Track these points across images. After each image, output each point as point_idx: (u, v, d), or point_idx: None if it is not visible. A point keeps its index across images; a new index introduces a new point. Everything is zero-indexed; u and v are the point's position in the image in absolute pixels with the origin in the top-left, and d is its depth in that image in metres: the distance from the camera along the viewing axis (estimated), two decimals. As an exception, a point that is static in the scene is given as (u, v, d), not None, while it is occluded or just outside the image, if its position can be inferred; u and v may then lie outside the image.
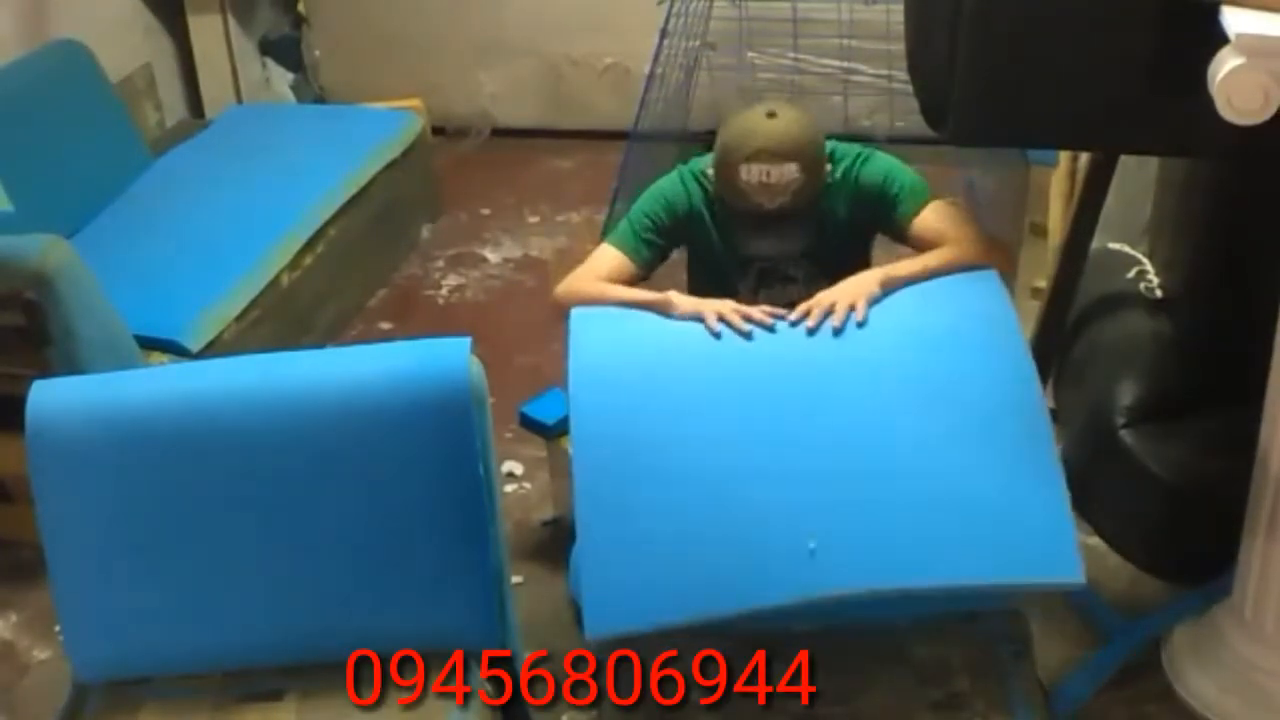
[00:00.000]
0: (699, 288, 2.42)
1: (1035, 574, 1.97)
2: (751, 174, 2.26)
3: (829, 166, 2.39)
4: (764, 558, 1.94)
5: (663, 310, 2.27)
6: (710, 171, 2.40)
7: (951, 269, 2.29)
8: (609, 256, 2.40)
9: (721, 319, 2.21)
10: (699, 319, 2.23)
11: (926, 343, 2.13)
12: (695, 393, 2.11)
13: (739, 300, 2.29)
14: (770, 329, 2.20)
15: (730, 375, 2.13)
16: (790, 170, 2.26)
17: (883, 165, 2.44)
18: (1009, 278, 2.47)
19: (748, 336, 2.20)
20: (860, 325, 2.19)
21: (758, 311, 2.23)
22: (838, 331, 2.18)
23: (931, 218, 2.37)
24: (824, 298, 2.22)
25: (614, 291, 2.33)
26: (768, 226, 2.32)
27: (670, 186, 2.46)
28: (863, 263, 2.44)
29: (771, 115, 2.30)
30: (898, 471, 1.99)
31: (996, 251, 2.35)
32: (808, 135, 2.32)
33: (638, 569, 1.94)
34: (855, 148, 2.47)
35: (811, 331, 2.19)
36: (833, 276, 2.30)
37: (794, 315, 2.22)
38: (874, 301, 2.22)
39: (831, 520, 1.95)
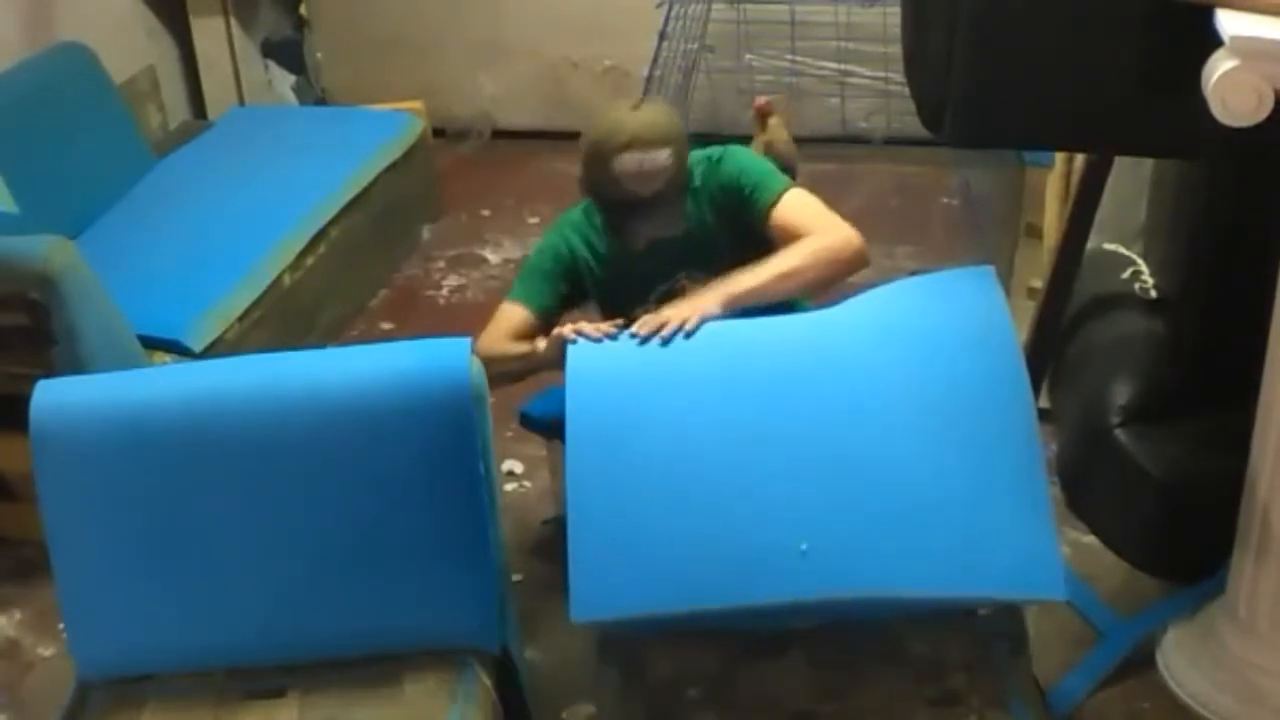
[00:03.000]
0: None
1: (1019, 589, 1.99)
2: (625, 164, 2.29)
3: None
4: (754, 555, 1.95)
5: (531, 359, 2.33)
6: (578, 215, 2.49)
7: (808, 265, 2.28)
8: (508, 312, 2.45)
9: (577, 331, 2.25)
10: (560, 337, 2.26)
11: (921, 346, 2.13)
12: (689, 392, 2.12)
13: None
14: (642, 340, 2.20)
15: (724, 376, 2.14)
16: (663, 156, 2.30)
17: (736, 162, 2.44)
18: (1004, 278, 2.46)
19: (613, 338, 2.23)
20: (858, 330, 2.19)
21: (591, 328, 2.25)
22: (834, 333, 2.20)
23: (787, 211, 2.35)
24: (662, 313, 2.22)
25: (498, 349, 2.39)
26: (646, 211, 2.33)
27: (551, 239, 2.54)
28: None
29: (636, 108, 2.37)
30: (886, 478, 1.99)
31: (852, 243, 2.31)
32: (674, 124, 2.37)
33: (626, 557, 1.95)
34: (709, 151, 2.47)
35: (807, 336, 2.20)
36: None
37: (631, 330, 2.22)
38: (711, 318, 2.20)
39: (820, 522, 1.96)
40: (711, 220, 2.44)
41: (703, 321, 2.20)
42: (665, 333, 2.18)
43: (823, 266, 2.29)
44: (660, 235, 2.37)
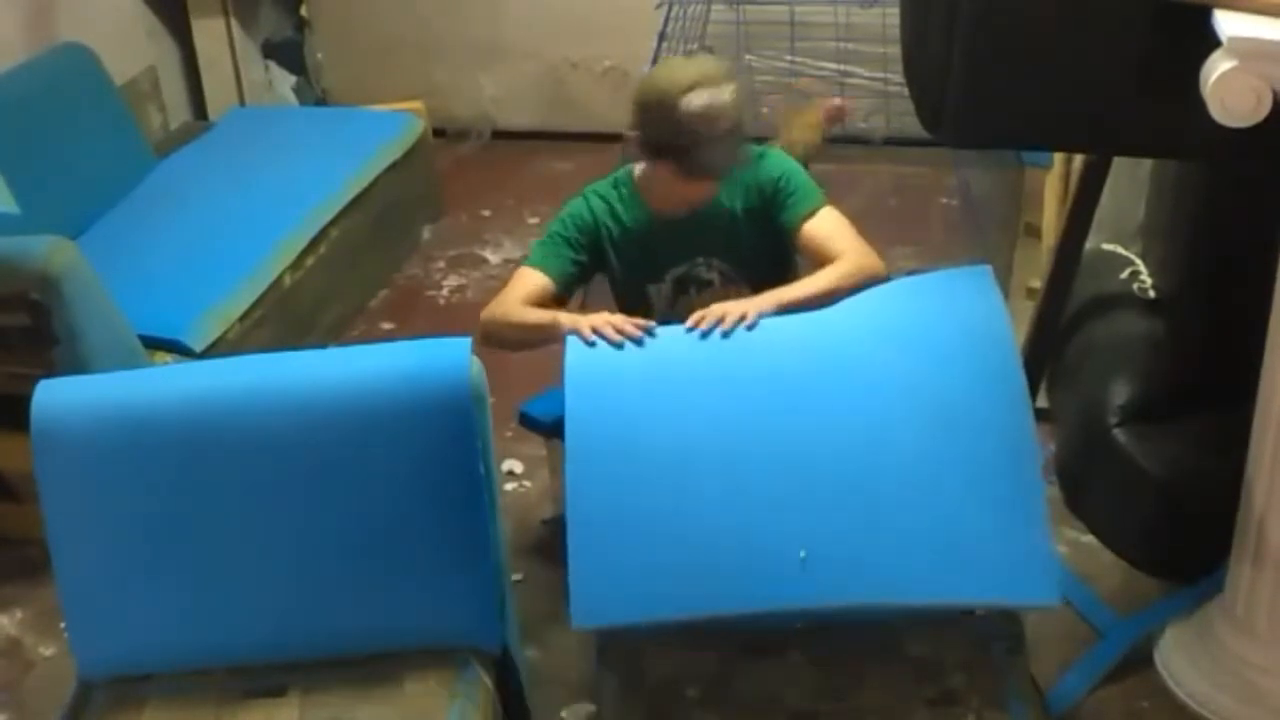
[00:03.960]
0: (623, 308, 2.43)
1: (1015, 596, 2.00)
2: (693, 102, 2.29)
3: None
4: (752, 561, 1.96)
5: (552, 332, 2.30)
6: (605, 187, 2.48)
7: (844, 286, 2.30)
8: (527, 277, 2.44)
9: (595, 330, 2.22)
10: (577, 334, 2.24)
11: (919, 350, 2.13)
12: (688, 393, 2.12)
13: (655, 315, 2.34)
14: (639, 342, 2.21)
15: (723, 377, 2.15)
16: (728, 92, 2.31)
17: (780, 164, 2.48)
18: (1002, 278, 2.47)
19: (619, 347, 2.20)
20: (856, 330, 2.20)
21: (629, 325, 2.23)
22: (832, 334, 2.20)
23: (822, 225, 2.40)
24: (717, 308, 2.23)
25: (517, 315, 2.38)
26: (714, 144, 2.31)
27: (575, 205, 2.52)
28: (784, 269, 2.45)
29: (690, 57, 2.40)
30: (883, 481, 2.00)
31: (878, 269, 2.35)
32: (729, 68, 2.39)
33: (625, 562, 1.96)
34: (749, 146, 2.49)
35: (805, 337, 2.21)
36: (750, 281, 2.33)
37: (688, 323, 2.23)
38: (766, 316, 2.22)
39: (818, 526, 1.96)
40: (740, 210, 2.46)
41: (759, 318, 2.21)
42: (724, 327, 2.20)
43: (851, 288, 2.32)
44: (730, 164, 2.36)
